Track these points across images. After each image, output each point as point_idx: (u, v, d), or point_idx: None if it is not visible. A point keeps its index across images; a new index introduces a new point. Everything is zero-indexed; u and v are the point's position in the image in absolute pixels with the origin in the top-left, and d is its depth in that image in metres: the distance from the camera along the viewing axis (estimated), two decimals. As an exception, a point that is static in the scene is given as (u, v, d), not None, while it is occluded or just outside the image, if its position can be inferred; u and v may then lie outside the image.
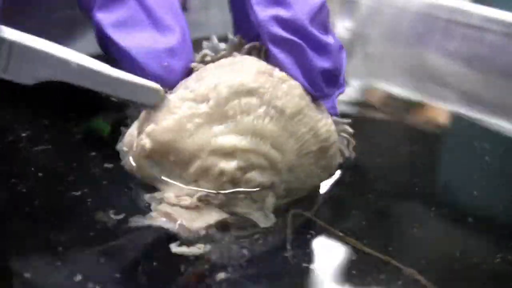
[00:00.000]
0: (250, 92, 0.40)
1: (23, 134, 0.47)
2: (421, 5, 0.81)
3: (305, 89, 0.42)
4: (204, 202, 0.40)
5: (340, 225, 0.40)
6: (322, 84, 0.42)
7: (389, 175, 0.48)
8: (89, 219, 0.38)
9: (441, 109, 0.65)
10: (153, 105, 0.41)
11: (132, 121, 0.44)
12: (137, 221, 0.38)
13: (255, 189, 0.41)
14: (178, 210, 0.39)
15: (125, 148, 0.43)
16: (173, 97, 0.41)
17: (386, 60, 0.80)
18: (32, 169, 0.43)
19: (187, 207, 0.39)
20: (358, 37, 0.83)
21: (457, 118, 0.63)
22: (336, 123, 0.44)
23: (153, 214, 0.39)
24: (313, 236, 0.39)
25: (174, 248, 0.36)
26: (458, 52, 0.75)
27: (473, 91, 0.69)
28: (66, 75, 0.41)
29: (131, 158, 0.42)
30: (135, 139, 0.42)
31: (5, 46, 0.39)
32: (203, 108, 0.40)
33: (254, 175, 0.41)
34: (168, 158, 0.40)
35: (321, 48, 0.42)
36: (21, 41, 0.40)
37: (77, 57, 0.41)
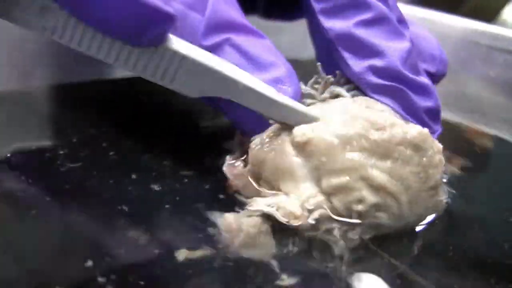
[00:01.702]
0: (416, 148, 0.41)
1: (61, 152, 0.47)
2: (464, 31, 0.81)
3: None
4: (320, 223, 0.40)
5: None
6: (429, 123, 0.44)
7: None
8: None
9: (484, 133, 0.64)
10: None
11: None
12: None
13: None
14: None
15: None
16: (353, 109, 0.42)
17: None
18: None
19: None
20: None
21: (499, 143, 0.63)
22: None
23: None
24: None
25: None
26: (499, 78, 0.74)
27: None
28: (231, 94, 0.42)
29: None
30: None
31: (177, 59, 0.41)
32: (375, 135, 0.41)
33: (382, 216, 0.41)
34: (320, 158, 0.41)
35: (420, 89, 0.43)
36: (191, 56, 0.41)
37: (245, 77, 0.42)
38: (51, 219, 0.40)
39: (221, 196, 0.44)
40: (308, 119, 0.42)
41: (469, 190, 0.49)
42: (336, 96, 0.46)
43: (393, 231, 0.42)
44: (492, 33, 0.77)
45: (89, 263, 0.35)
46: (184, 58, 0.41)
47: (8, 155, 0.46)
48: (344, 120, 0.41)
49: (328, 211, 0.41)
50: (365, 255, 0.40)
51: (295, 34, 0.74)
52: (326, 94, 0.46)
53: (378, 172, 0.40)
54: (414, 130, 0.42)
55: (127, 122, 0.56)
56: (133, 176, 0.45)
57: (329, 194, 0.41)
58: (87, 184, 0.44)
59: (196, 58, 0.41)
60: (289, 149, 0.42)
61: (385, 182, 0.40)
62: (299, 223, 0.40)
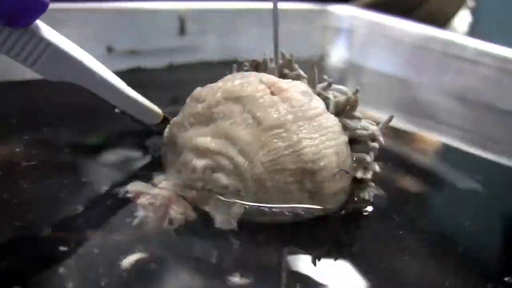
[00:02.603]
0: (237, 99, 0.42)
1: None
2: (416, 37, 0.82)
3: None
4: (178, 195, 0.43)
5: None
6: None
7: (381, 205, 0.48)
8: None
9: (432, 140, 0.65)
10: (153, 123, 0.50)
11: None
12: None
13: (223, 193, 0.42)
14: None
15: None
16: (189, 98, 0.45)
17: (379, 91, 0.80)
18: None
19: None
20: (352, 67, 0.83)
21: (448, 150, 0.64)
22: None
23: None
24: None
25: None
26: (451, 85, 0.76)
27: (465, 125, 0.70)
28: (88, 83, 0.46)
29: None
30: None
31: (42, 45, 0.43)
32: (198, 108, 0.44)
33: (220, 176, 0.42)
34: (170, 148, 0.46)
35: None
36: (56, 43, 0.44)
37: (102, 70, 0.46)
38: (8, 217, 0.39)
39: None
40: (154, 114, 0.49)
41: (424, 196, 0.50)
42: None
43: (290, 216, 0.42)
44: (445, 39, 0.78)
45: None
46: (49, 45, 0.43)
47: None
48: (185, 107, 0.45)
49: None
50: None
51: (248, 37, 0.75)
52: None
53: (201, 138, 0.43)
54: (229, 85, 0.43)
55: (82, 122, 0.55)
56: (86, 177, 0.45)
57: (179, 172, 0.44)
58: (44, 183, 0.43)
59: (60, 45, 0.44)
60: (165, 148, 0.47)
61: (207, 144, 0.42)
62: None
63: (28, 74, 0.59)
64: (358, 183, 0.46)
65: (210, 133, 0.43)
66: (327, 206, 0.43)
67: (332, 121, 0.43)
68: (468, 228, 0.47)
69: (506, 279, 0.39)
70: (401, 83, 0.79)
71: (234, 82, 0.43)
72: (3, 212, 0.40)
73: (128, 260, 0.36)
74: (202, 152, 0.42)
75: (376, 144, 0.45)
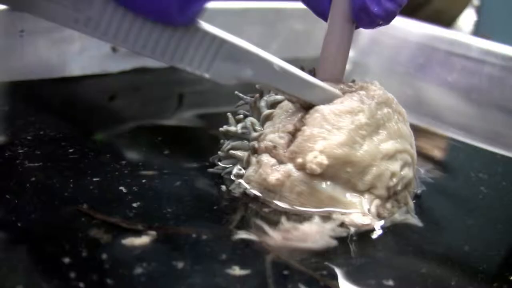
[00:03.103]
0: (385, 103, 0.45)
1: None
2: (422, 36, 0.82)
3: None
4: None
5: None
6: None
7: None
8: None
9: (437, 139, 0.65)
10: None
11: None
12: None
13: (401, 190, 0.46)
14: None
15: (272, 182, 0.43)
16: (328, 112, 0.44)
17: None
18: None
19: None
20: (357, 66, 0.83)
21: (452, 148, 0.64)
22: None
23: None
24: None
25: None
26: (456, 84, 0.76)
27: (469, 123, 0.70)
28: (267, 76, 0.42)
29: (287, 187, 0.43)
30: (288, 165, 0.43)
31: (216, 43, 0.39)
32: (363, 119, 0.43)
33: (407, 171, 0.46)
34: (344, 170, 0.43)
35: None
36: (230, 39, 0.39)
37: (275, 59, 0.42)
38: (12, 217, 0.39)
39: (184, 198, 0.44)
40: (332, 96, 0.45)
41: (427, 193, 0.50)
42: None
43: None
44: (451, 39, 0.78)
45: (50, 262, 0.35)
46: (223, 42, 0.39)
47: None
48: (331, 126, 0.43)
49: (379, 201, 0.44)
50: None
51: (251, 36, 0.75)
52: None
53: (386, 144, 0.44)
54: (377, 91, 0.45)
55: (85, 122, 0.55)
56: (93, 176, 0.45)
57: (369, 190, 0.44)
58: (48, 183, 0.43)
59: (234, 41, 0.40)
60: (313, 182, 0.43)
61: (395, 146, 0.45)
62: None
63: (31, 74, 0.59)
64: None
65: (388, 137, 0.45)
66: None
67: None
68: (473, 226, 0.47)
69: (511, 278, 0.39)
70: (406, 82, 0.79)
71: (370, 91, 0.45)
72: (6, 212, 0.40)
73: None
74: (392, 155, 0.45)
75: None
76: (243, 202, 0.44)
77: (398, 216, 0.45)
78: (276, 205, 0.44)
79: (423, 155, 0.54)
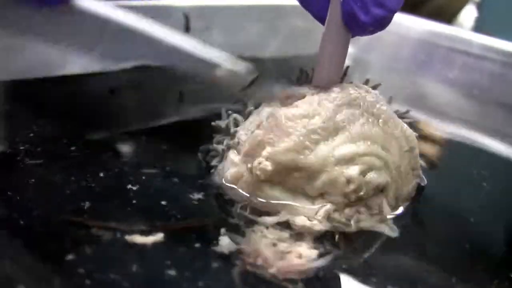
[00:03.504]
0: (348, 105, 0.43)
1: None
2: (422, 33, 0.82)
3: None
4: (331, 220, 0.42)
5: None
6: None
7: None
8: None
9: (438, 135, 0.65)
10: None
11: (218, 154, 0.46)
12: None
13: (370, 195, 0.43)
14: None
15: (228, 178, 0.44)
16: (280, 116, 0.43)
17: (385, 87, 0.80)
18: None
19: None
20: (358, 63, 0.83)
21: (454, 144, 0.64)
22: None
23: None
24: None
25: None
26: (457, 80, 0.76)
27: (471, 119, 0.70)
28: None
29: (242, 186, 0.44)
30: (242, 166, 0.44)
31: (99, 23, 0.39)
32: (318, 123, 0.42)
33: (373, 176, 0.43)
34: (292, 176, 0.42)
35: None
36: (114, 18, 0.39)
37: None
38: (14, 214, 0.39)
39: (184, 196, 0.44)
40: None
41: (427, 190, 0.50)
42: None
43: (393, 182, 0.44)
44: (451, 35, 0.78)
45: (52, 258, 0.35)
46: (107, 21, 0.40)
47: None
48: (280, 132, 0.42)
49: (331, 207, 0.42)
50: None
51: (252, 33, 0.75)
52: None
53: (343, 147, 0.42)
54: (334, 95, 0.43)
55: (86, 119, 0.55)
56: (95, 173, 0.45)
57: (321, 195, 0.43)
58: (50, 180, 0.43)
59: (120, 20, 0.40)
60: (262, 186, 0.43)
61: (354, 149, 0.42)
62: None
63: (31, 72, 0.59)
64: None
65: (348, 140, 0.43)
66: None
67: None
68: (474, 223, 0.47)
69: (512, 274, 0.39)
70: (407, 78, 0.79)
71: (332, 93, 0.44)
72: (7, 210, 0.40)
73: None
74: (349, 159, 0.42)
75: None
76: (216, 193, 0.45)
77: (367, 223, 0.43)
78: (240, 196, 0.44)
79: (423, 152, 0.54)
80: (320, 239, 0.40)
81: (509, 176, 0.56)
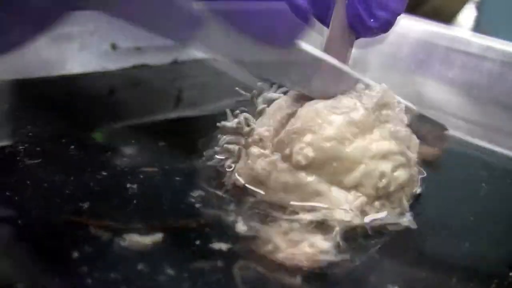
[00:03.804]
0: (385, 106, 0.46)
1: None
2: (421, 33, 0.82)
3: None
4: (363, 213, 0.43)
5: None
6: None
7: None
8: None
9: (438, 135, 0.65)
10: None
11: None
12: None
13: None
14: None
15: (259, 171, 0.44)
16: (321, 107, 0.44)
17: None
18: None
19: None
20: (357, 63, 0.83)
21: (453, 144, 0.64)
22: None
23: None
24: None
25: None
26: (456, 80, 0.76)
27: (470, 119, 0.70)
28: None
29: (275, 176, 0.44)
30: (273, 156, 0.44)
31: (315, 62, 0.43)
32: (356, 117, 0.43)
33: (401, 173, 0.45)
34: (330, 165, 0.43)
35: None
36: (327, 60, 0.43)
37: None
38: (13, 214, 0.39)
39: (184, 194, 0.44)
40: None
41: (427, 190, 0.50)
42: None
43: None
44: (451, 35, 0.78)
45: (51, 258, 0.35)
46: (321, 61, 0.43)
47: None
48: (320, 117, 0.43)
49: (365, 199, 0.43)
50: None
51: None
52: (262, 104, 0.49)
53: (378, 144, 0.44)
54: (377, 91, 0.45)
55: (86, 118, 0.55)
56: (94, 173, 0.45)
57: (356, 187, 0.43)
58: (49, 180, 0.43)
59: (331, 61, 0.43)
60: (298, 175, 0.43)
61: (388, 147, 0.44)
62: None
63: (32, 72, 0.59)
64: None
65: (382, 137, 0.45)
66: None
67: None
68: (474, 223, 0.47)
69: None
70: (406, 78, 0.79)
71: (372, 92, 0.46)
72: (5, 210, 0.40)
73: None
74: (383, 156, 0.44)
75: None
76: (233, 193, 0.45)
77: (390, 218, 0.44)
78: (263, 195, 0.44)
79: (422, 151, 0.54)
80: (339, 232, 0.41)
81: (508, 175, 0.56)
